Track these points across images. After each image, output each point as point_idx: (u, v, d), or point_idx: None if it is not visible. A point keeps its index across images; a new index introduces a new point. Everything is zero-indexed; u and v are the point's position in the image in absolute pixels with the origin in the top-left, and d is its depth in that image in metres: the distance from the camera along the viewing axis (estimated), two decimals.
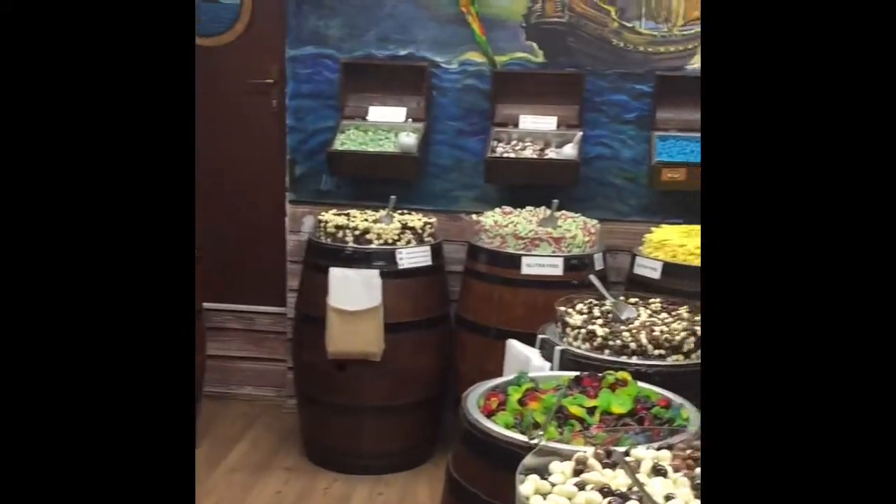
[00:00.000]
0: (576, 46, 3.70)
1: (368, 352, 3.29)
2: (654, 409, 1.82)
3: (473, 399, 1.90)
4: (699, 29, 3.62)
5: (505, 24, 3.72)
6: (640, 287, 3.20)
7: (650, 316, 2.40)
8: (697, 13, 3.63)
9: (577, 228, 3.34)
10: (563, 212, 3.49)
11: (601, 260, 3.37)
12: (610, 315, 2.40)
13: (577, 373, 1.98)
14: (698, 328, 2.27)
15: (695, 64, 3.65)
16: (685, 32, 3.64)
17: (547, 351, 2.30)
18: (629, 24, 3.66)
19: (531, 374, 2.03)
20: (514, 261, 3.22)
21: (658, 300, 2.54)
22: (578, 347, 2.27)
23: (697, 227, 3.40)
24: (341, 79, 3.80)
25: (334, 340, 3.29)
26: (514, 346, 2.32)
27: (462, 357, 3.43)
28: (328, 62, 3.83)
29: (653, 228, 3.42)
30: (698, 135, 3.62)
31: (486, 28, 3.70)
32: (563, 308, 2.41)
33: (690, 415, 1.82)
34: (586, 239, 3.32)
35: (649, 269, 3.23)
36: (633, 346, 2.19)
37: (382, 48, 3.80)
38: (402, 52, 3.78)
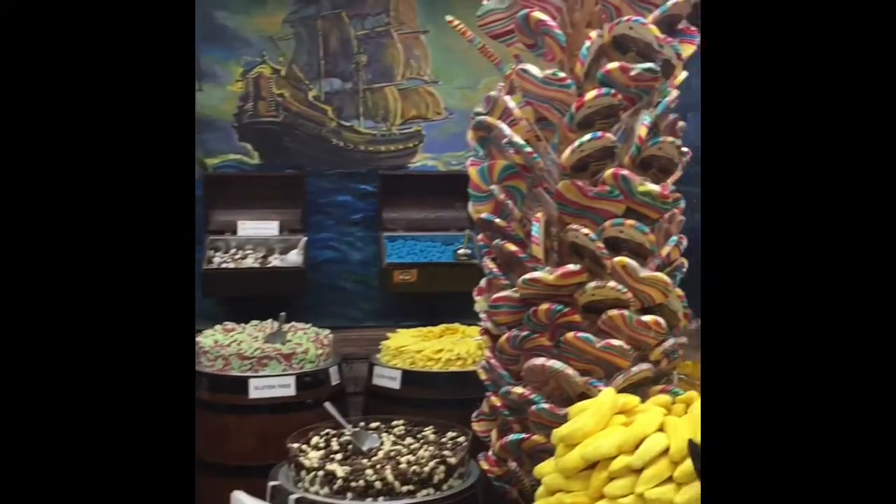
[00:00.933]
0: (293, 147, 3.50)
1: None
2: None
3: None
4: (418, 127, 3.59)
5: (214, 124, 3.44)
6: (380, 399, 3.01)
7: (394, 443, 2.17)
8: (415, 112, 3.59)
9: (308, 341, 3.06)
10: (293, 323, 3.20)
11: (337, 373, 3.11)
12: (350, 447, 2.13)
13: None
14: (447, 452, 2.07)
15: (417, 162, 3.59)
16: (404, 131, 3.59)
17: (280, 501, 1.98)
18: (348, 124, 3.54)
19: None
20: (240, 384, 2.85)
21: (401, 422, 2.32)
22: (317, 493, 1.96)
23: (434, 329, 3.30)
24: None
25: None
26: (240, 500, 1.97)
27: None
28: None
29: (388, 334, 3.25)
30: (427, 234, 3.55)
31: None
32: (295, 445, 2.10)
33: None
34: (319, 352, 3.05)
35: (388, 378, 3.05)
36: (378, 484, 1.93)
37: None
38: None
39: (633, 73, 1.83)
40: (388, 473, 1.95)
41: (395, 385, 3.00)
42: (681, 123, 2.03)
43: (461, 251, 3.47)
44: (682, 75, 1.95)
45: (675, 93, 1.92)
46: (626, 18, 1.84)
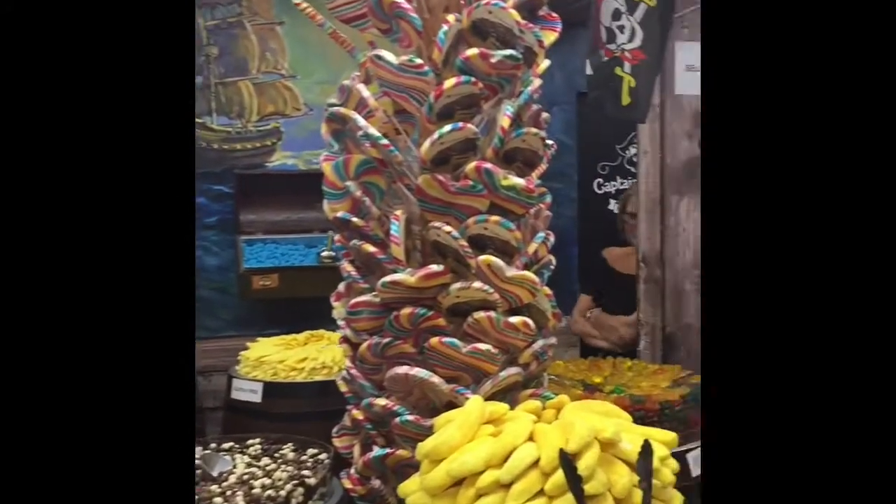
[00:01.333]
0: None
1: None
2: None
3: None
4: (275, 124, 3.40)
5: None
6: (240, 413, 2.83)
7: (249, 465, 1.99)
8: (272, 108, 3.40)
9: None
10: None
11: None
12: (199, 472, 1.93)
13: None
14: (306, 472, 1.91)
15: (275, 161, 3.40)
16: (261, 128, 3.39)
17: None
18: (200, 120, 3.30)
19: None
20: None
21: (257, 440, 2.14)
22: None
23: (298, 336, 3.14)
24: None
25: None
26: None
27: None
28: None
29: (249, 343, 3.05)
30: (288, 236, 3.36)
31: None
32: None
33: None
34: None
35: (249, 391, 2.88)
36: None
37: None
38: None
39: (493, 60, 1.72)
40: (240, 500, 1.77)
41: (257, 398, 2.85)
42: (545, 115, 1.95)
43: (325, 254, 3.31)
44: (545, 64, 1.87)
45: (537, 82, 1.83)
46: (484, 2, 1.74)
